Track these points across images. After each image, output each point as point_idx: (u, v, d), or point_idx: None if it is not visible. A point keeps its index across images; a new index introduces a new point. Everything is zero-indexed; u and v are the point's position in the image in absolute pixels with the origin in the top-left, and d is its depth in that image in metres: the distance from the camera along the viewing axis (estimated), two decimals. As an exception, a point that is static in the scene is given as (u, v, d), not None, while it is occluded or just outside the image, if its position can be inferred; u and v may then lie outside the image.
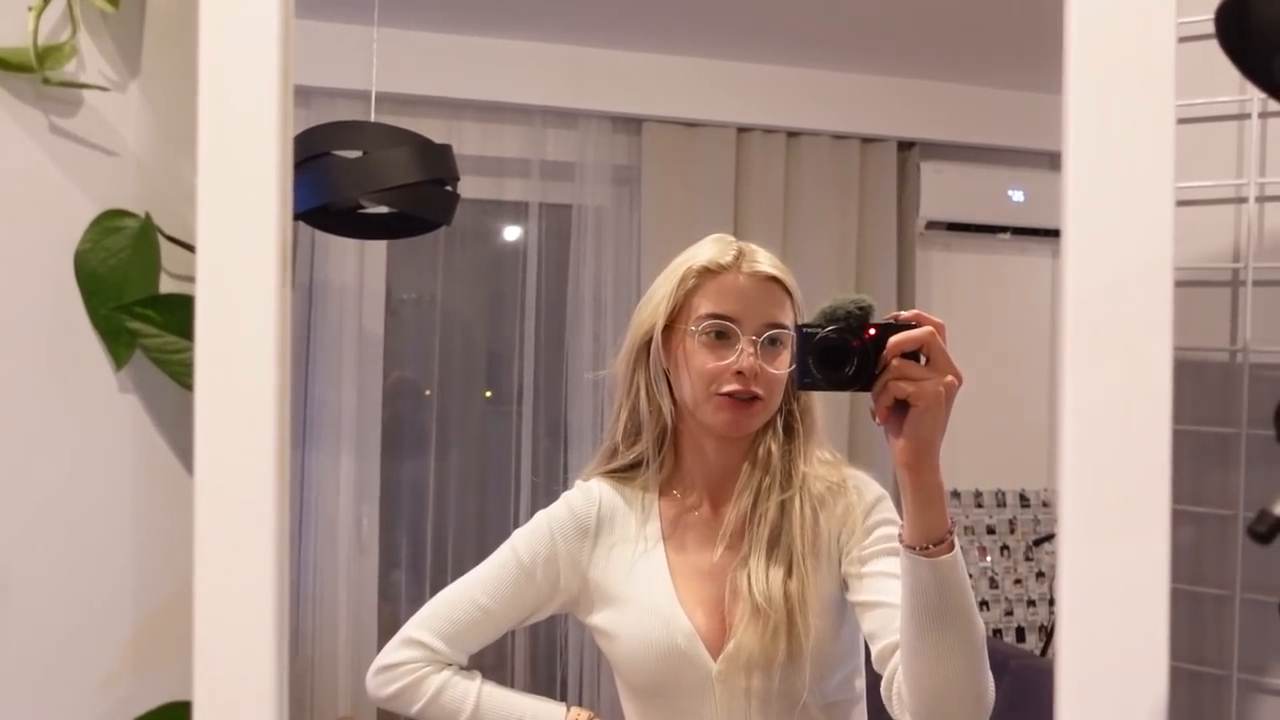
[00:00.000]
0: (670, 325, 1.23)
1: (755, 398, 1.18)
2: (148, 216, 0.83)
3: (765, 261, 1.21)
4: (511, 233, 3.09)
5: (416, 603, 3.20)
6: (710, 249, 1.23)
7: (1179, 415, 0.94)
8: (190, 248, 0.81)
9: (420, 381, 2.99)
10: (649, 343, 1.25)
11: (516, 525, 1.31)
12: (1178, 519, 0.95)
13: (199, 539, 0.63)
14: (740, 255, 1.21)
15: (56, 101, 0.82)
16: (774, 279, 1.21)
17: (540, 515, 1.30)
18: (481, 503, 3.01)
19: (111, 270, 0.80)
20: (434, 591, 1.29)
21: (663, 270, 1.27)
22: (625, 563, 1.26)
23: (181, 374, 0.81)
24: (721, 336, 1.19)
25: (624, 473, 1.31)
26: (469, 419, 3.03)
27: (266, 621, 0.61)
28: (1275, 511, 0.57)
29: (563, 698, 1.30)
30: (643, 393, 1.26)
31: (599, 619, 1.26)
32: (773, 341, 1.18)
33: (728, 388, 1.17)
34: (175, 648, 0.79)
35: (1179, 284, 0.94)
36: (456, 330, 3.00)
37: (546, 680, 2.92)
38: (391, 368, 2.94)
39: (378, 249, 2.87)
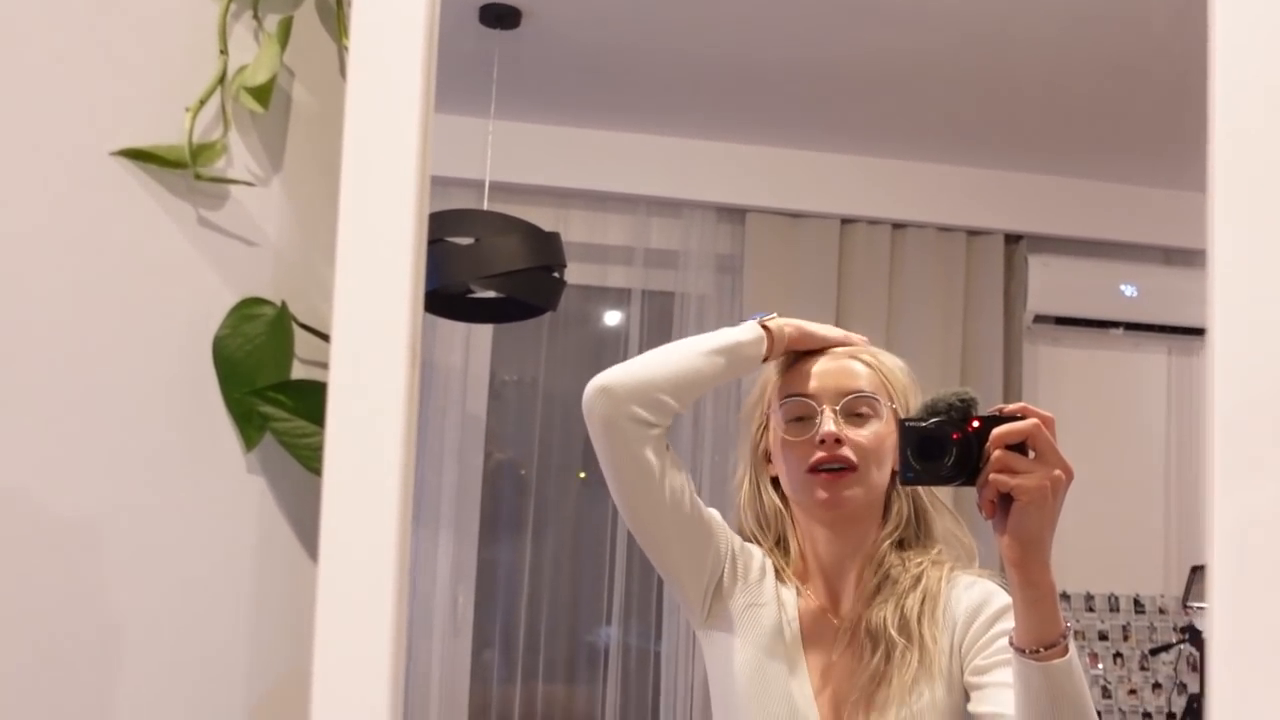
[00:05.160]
0: (765, 427, 1.25)
1: (847, 466, 1.16)
2: (283, 305, 0.87)
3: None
4: (613, 318, 3.14)
5: (507, 684, 3.15)
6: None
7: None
8: (322, 335, 0.86)
9: (519, 462, 3.03)
10: (752, 452, 1.27)
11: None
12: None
13: (320, 621, 0.65)
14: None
15: (205, 195, 0.87)
16: (851, 355, 1.21)
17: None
18: (575, 584, 3.00)
19: (247, 355, 0.84)
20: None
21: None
22: (757, 619, 1.22)
23: (308, 458, 0.83)
24: (801, 419, 1.19)
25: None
26: (565, 501, 3.05)
27: (381, 704, 0.62)
28: None
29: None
30: (752, 503, 1.28)
31: (720, 662, 1.22)
32: (855, 412, 1.18)
33: (816, 457, 1.17)
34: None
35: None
36: (557, 412, 3.04)
37: (638, 707, 2.86)
38: (492, 449, 2.98)
39: (483, 332, 2.94)
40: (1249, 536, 0.59)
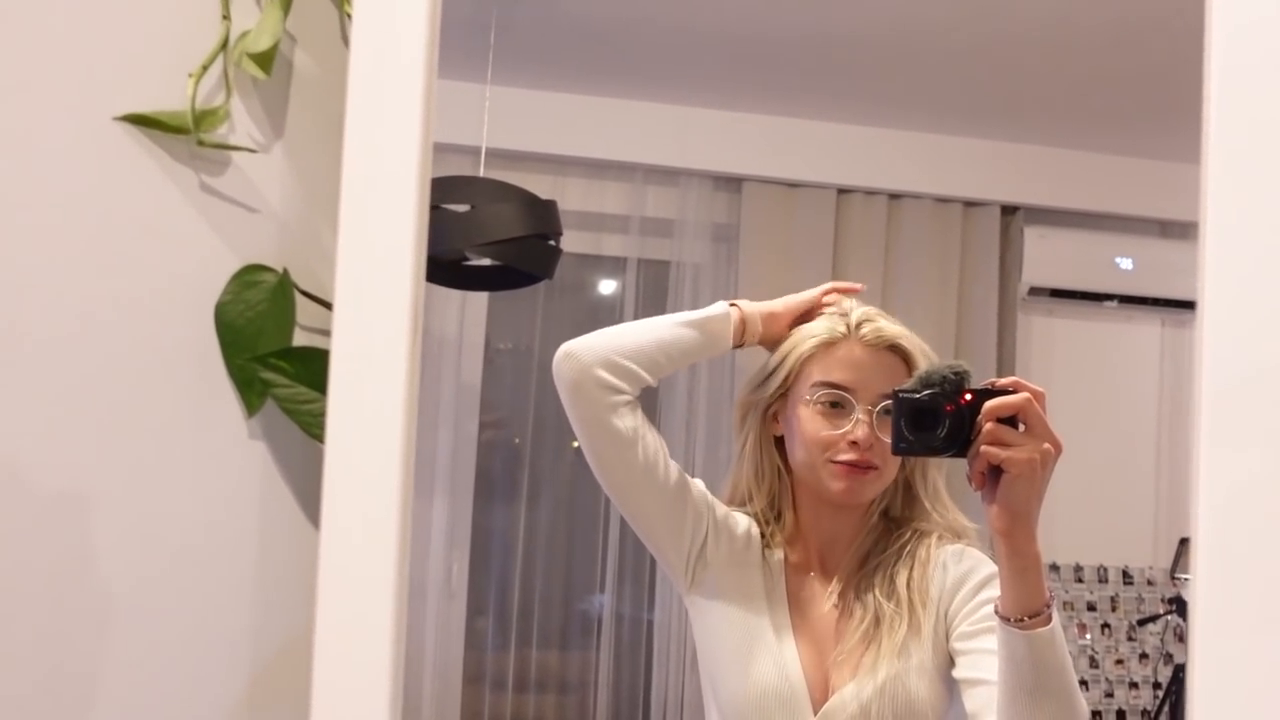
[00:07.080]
0: (783, 394, 1.25)
1: (871, 467, 1.18)
2: (285, 272, 0.88)
3: (885, 328, 1.22)
4: (608, 286, 3.14)
5: (501, 651, 3.17)
6: (824, 322, 1.24)
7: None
8: (323, 303, 0.86)
9: (513, 430, 3.04)
10: (762, 412, 1.26)
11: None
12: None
13: (322, 584, 0.66)
14: (859, 323, 1.22)
15: (207, 161, 0.87)
16: (892, 347, 1.21)
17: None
18: (569, 552, 3.02)
19: (249, 322, 0.85)
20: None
21: None
22: (742, 585, 1.24)
23: (310, 424, 0.84)
24: (836, 406, 1.20)
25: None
26: (559, 469, 3.06)
27: (383, 669, 0.63)
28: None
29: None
30: (752, 458, 1.27)
31: (707, 629, 1.24)
32: (888, 412, 1.19)
33: (843, 457, 1.18)
34: (292, 690, 0.82)
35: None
36: (551, 381, 3.04)
37: (629, 703, 2.89)
38: (487, 417, 2.98)
39: (478, 299, 2.94)
40: (1234, 507, 0.60)
